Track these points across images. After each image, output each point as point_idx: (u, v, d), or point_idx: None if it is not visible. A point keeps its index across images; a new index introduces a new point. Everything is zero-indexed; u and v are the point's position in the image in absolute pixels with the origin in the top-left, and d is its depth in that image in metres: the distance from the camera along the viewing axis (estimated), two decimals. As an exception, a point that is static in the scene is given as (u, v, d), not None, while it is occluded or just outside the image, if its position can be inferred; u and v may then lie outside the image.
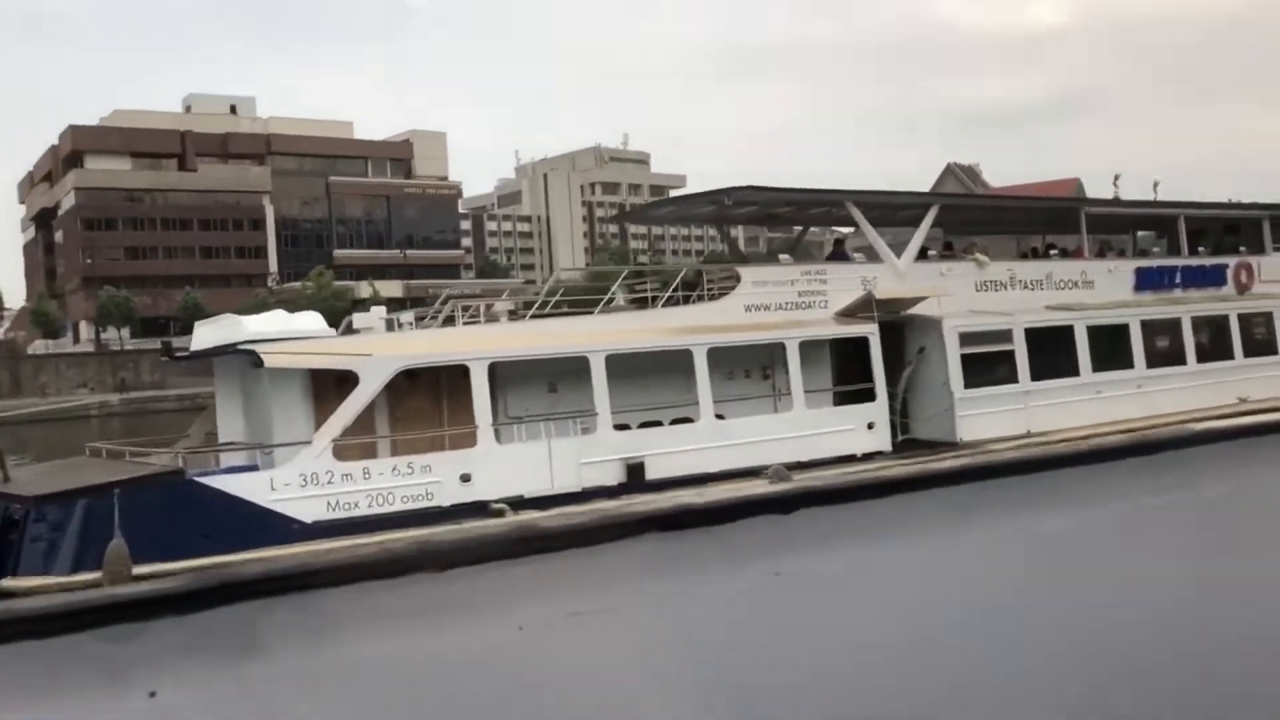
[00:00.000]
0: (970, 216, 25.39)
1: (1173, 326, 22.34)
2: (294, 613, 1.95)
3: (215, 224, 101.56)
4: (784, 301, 17.84)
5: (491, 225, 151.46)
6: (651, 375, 16.34)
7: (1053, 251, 23.30)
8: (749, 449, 16.16)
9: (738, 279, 17.66)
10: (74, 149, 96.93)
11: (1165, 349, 22.43)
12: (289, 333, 14.36)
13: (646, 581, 1.83)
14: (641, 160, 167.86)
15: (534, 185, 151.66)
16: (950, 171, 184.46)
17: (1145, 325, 21.49)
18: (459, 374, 14.47)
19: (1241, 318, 23.43)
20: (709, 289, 17.85)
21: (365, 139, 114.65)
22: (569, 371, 15.49)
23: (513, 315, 16.27)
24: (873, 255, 19.87)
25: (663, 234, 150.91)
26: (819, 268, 18.83)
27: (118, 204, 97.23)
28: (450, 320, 16.38)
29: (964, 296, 19.80)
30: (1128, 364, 21.05)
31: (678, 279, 17.44)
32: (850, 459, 17.22)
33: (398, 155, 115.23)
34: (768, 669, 1.64)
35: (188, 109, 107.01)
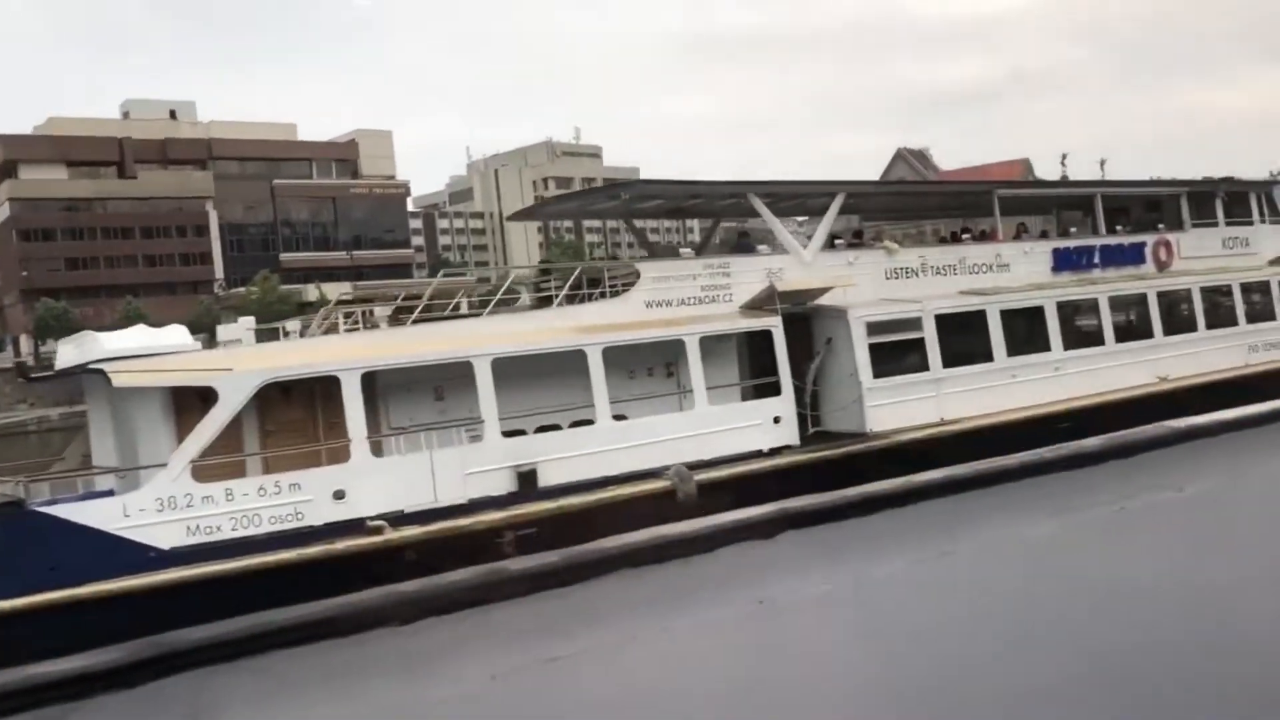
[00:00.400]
0: (891, 203, 25.06)
1: (1090, 307, 22.10)
2: (248, 678, 1.74)
3: (158, 231, 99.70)
4: (687, 296, 17.36)
5: (444, 223, 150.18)
6: (547, 378, 15.80)
7: (965, 236, 22.97)
8: (650, 449, 15.69)
9: (637, 275, 17.16)
10: (6, 159, 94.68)
11: (1083, 330, 22.20)
12: (151, 349, 13.69)
13: (623, 620, 1.61)
14: (594, 154, 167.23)
15: (485, 182, 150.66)
16: (901, 156, 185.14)
17: (1061, 307, 21.21)
18: (335, 385, 13.86)
19: (1161, 295, 23.24)
20: (611, 286, 17.35)
21: (309, 140, 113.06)
22: (457, 378, 14.91)
23: (395, 320, 15.64)
24: (782, 247, 19.43)
25: (617, 227, 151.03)
26: (722, 261, 18.35)
27: (55, 214, 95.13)
28: (335, 328, 15.76)
29: (874, 285, 19.43)
30: (1044, 347, 20.77)
31: (572, 276, 16.88)
32: (757, 455, 16.84)
33: (343, 156, 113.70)
34: (753, 706, 1.51)
35: (126, 115, 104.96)
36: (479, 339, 14.74)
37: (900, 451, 17.57)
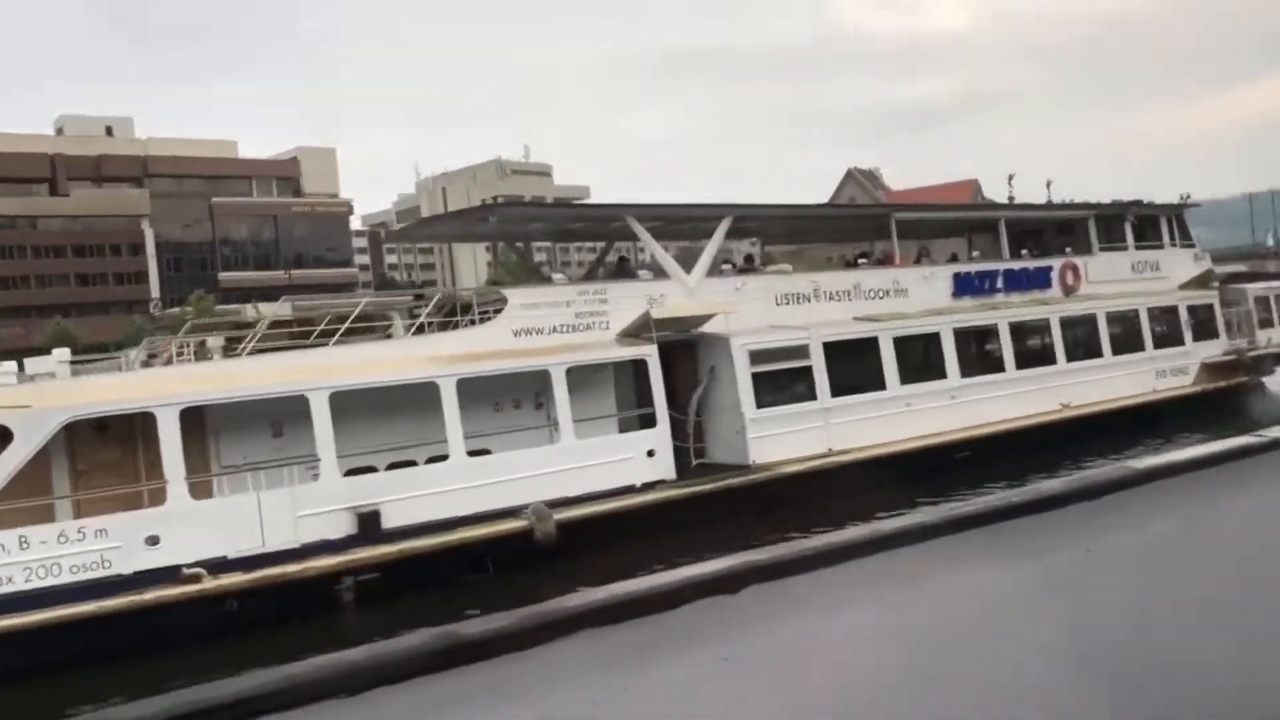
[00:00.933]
0: (788, 227, 24.48)
1: (990, 333, 21.62)
2: None
3: (91, 250, 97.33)
4: (559, 324, 16.55)
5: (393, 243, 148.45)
6: (400, 411, 14.91)
7: (862, 260, 22.43)
8: (509, 486, 14.84)
9: (505, 302, 16.35)
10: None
11: (983, 356, 21.72)
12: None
13: (584, 682, 1.52)
14: (544, 172, 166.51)
15: (432, 200, 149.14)
16: (851, 176, 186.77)
17: (959, 333, 20.69)
18: (155, 423, 12.87)
19: (1065, 321, 22.85)
20: (482, 313, 16.53)
21: (250, 158, 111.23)
22: (296, 412, 13.97)
23: (228, 351, 14.66)
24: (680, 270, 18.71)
25: (566, 246, 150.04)
26: (599, 287, 17.58)
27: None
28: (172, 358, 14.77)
29: (764, 311, 18.76)
30: (940, 374, 20.23)
31: (431, 303, 16.02)
32: (629, 490, 16.05)
33: (284, 174, 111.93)
34: None
35: (59, 131, 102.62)
36: (317, 371, 13.82)
37: (782, 484, 16.89)
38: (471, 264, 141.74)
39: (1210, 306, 26.26)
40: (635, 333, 16.74)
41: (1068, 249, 24.80)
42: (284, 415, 14.09)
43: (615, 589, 1.64)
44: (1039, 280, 23.47)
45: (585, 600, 1.62)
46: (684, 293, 17.97)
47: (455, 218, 25.94)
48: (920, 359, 20.35)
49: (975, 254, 24.34)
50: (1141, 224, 26.61)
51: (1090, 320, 23.44)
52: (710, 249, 18.72)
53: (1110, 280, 24.84)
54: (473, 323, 16.30)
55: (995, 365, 21.34)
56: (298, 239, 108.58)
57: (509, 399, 16.35)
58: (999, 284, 22.58)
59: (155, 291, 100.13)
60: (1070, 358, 22.56)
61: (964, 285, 21.96)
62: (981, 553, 1.86)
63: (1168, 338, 25.09)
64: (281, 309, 19.25)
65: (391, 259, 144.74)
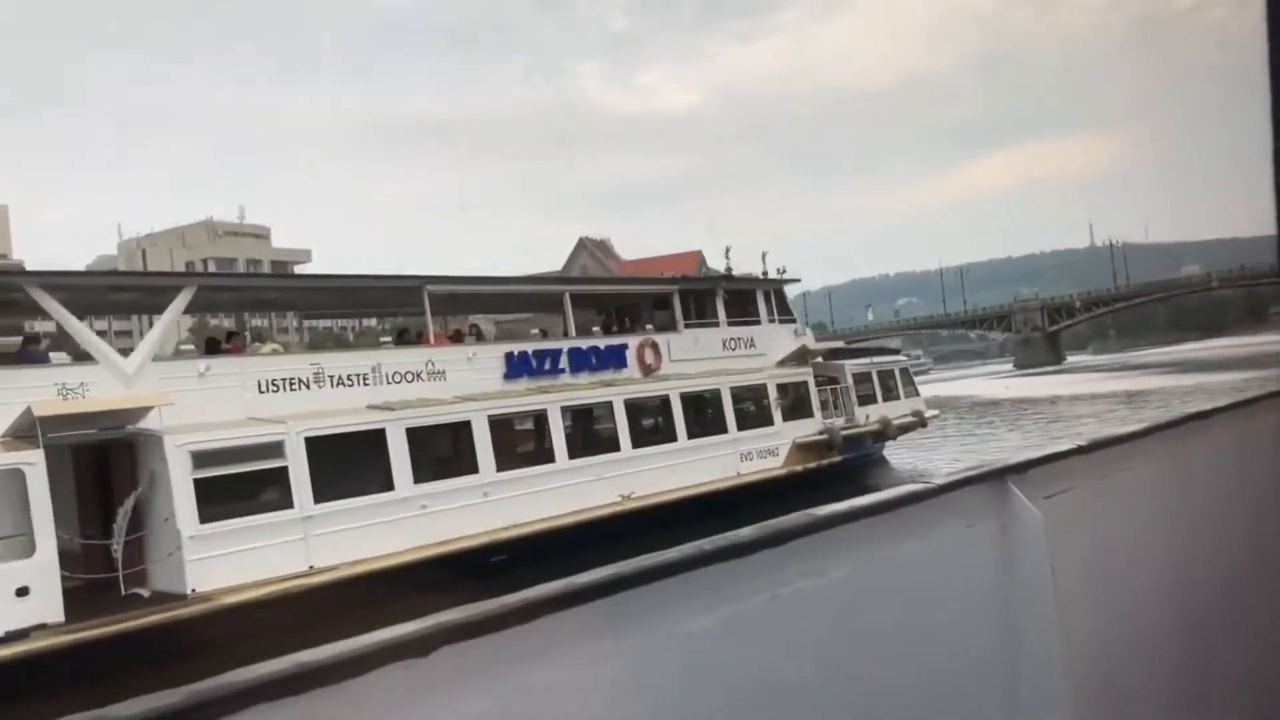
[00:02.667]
0: (322, 300, 21.76)
1: (539, 419, 19.58)
2: None
3: None
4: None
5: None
6: None
7: (385, 341, 19.99)
8: None
9: None
10: None
11: (528, 446, 19.65)
12: None
13: None
14: (260, 235, 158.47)
15: (130, 261, 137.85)
16: (583, 245, 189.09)
17: (495, 421, 18.45)
18: None
19: (631, 404, 21.18)
20: None
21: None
22: None
23: None
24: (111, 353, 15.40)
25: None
26: (-9, 375, 14.01)
27: None
28: None
29: (241, 401, 15.76)
30: (470, 468, 17.85)
31: None
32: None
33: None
34: None
35: None
36: None
37: (219, 620, 13.78)
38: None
39: (804, 384, 25.60)
40: (19, 433, 13.30)
41: (649, 326, 23.39)
42: None
43: (291, 659, 1.29)
44: (611, 360, 21.79)
45: (256, 674, 1.27)
46: (119, 381, 14.71)
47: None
48: (446, 452, 17.97)
49: (534, 332, 22.46)
50: (738, 299, 25.76)
51: (663, 402, 21.96)
52: (161, 324, 15.63)
53: (698, 358, 23.61)
54: None
55: (543, 455, 19.27)
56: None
57: None
58: (562, 364, 20.66)
59: None
60: (638, 444, 20.87)
61: (519, 366, 19.85)
62: (673, 601, 1.72)
63: (755, 418, 24.08)
64: None
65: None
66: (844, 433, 25.39)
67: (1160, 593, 3.08)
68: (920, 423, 28.73)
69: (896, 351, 32.71)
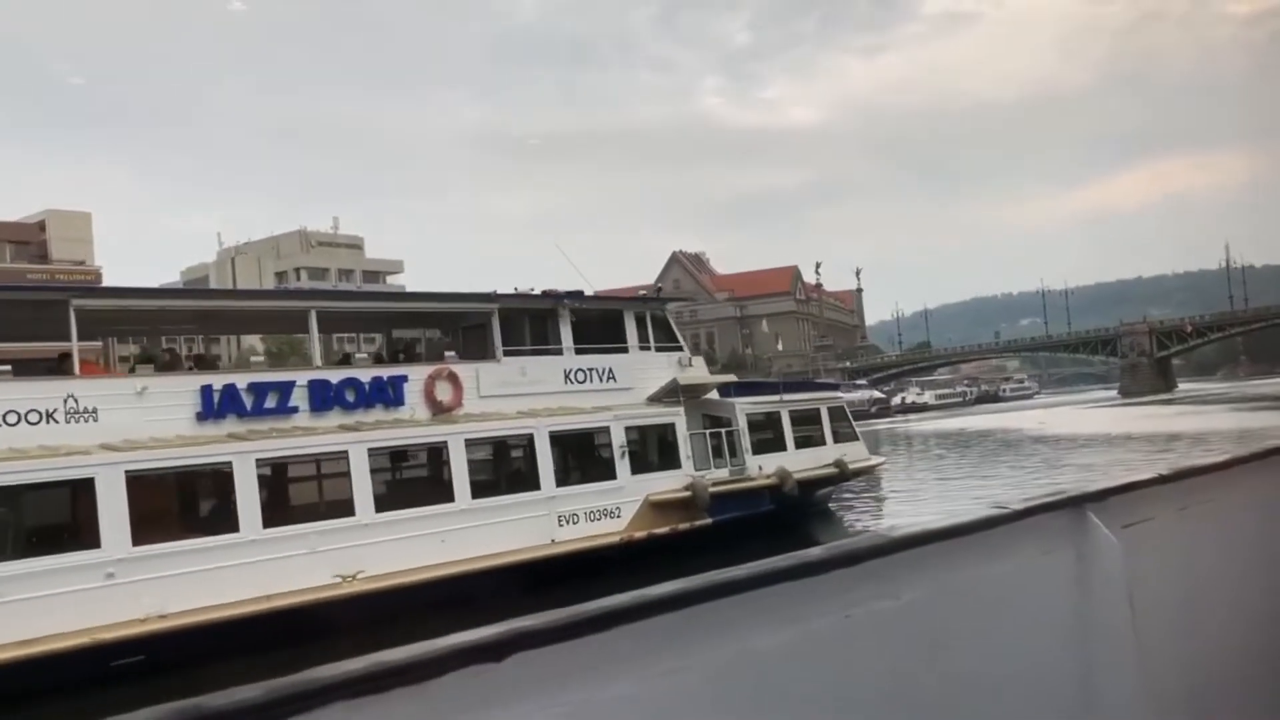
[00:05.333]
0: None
1: (217, 476, 15.46)
2: None
3: None
4: None
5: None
6: None
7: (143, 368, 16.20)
8: None
9: None
10: None
11: (207, 510, 15.59)
12: None
13: None
14: (354, 245, 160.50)
15: (220, 270, 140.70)
16: (675, 259, 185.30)
17: (140, 479, 14.42)
18: None
19: (379, 452, 16.88)
20: None
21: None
22: None
23: None
24: None
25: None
26: None
27: None
28: None
29: None
30: (91, 543, 13.87)
31: None
32: None
33: (22, 238, 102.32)
34: None
35: None
36: None
37: None
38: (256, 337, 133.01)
39: (669, 427, 20.79)
40: None
41: (449, 353, 19.06)
42: None
43: (371, 659, 1.30)
44: (380, 395, 17.52)
45: (338, 671, 1.28)
46: None
47: None
48: (57, 522, 14.08)
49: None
50: (597, 322, 21.22)
51: (436, 451, 17.59)
52: None
53: (525, 393, 19.14)
54: None
55: (221, 524, 15.13)
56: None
57: None
58: (294, 402, 16.48)
59: None
60: (386, 505, 16.54)
61: (221, 405, 15.79)
62: (743, 618, 1.70)
63: (591, 470, 19.49)
64: None
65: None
66: (716, 488, 20.49)
67: (1248, 633, 3.01)
68: (841, 475, 23.41)
69: (835, 387, 27.31)
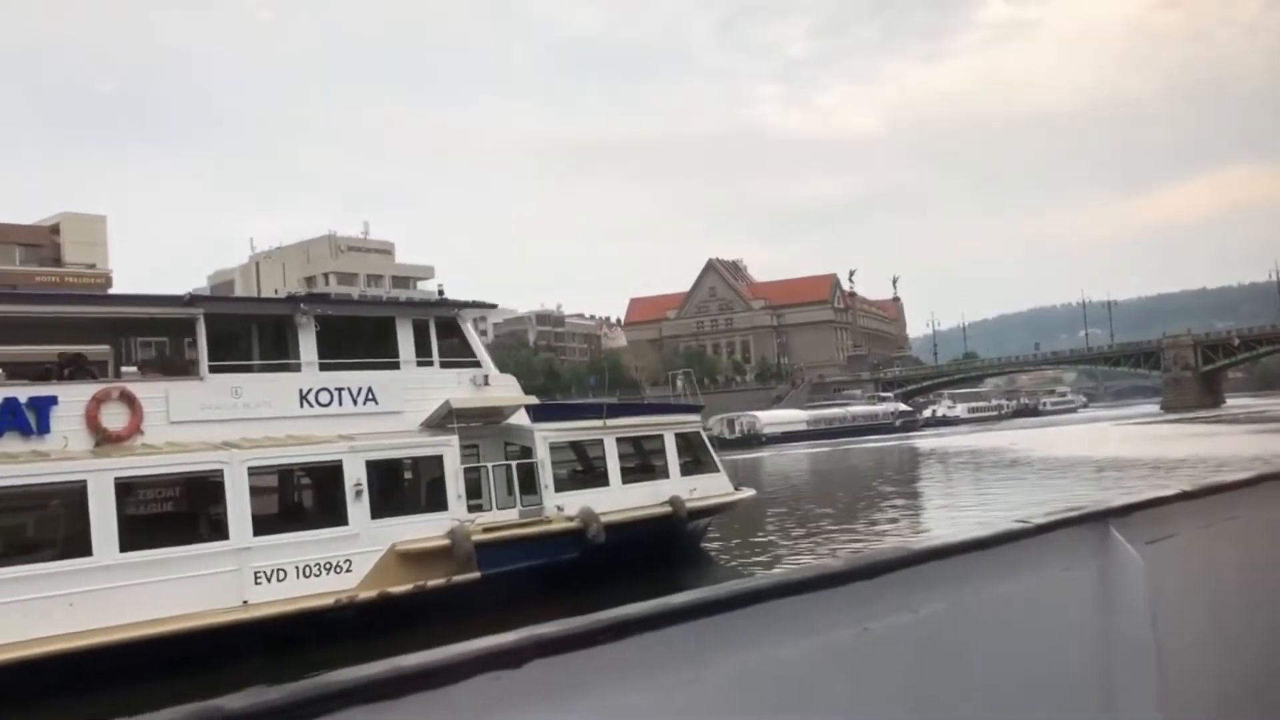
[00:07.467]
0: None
1: None
2: None
3: None
4: None
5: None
6: None
7: None
8: None
9: None
10: None
11: None
12: None
13: None
14: (384, 250, 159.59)
15: (246, 275, 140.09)
16: (712, 266, 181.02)
17: None
18: None
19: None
20: None
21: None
22: None
23: None
24: None
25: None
26: None
27: None
28: None
29: None
30: None
31: None
32: None
33: (34, 241, 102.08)
34: None
35: None
36: None
37: None
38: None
39: (436, 459, 16.97)
40: None
41: (123, 372, 15.52)
42: None
43: (389, 664, 1.32)
44: (15, 421, 14.05)
45: (357, 675, 1.31)
46: None
47: None
48: None
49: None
50: (359, 331, 17.57)
51: (74, 493, 13.98)
52: None
53: (240, 418, 15.55)
54: None
55: None
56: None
57: None
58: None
59: None
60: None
61: None
62: (761, 628, 1.70)
63: (307, 514, 15.83)
64: None
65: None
66: (492, 534, 16.63)
67: (1273, 651, 2.96)
68: (678, 515, 19.23)
69: (699, 410, 23.10)
